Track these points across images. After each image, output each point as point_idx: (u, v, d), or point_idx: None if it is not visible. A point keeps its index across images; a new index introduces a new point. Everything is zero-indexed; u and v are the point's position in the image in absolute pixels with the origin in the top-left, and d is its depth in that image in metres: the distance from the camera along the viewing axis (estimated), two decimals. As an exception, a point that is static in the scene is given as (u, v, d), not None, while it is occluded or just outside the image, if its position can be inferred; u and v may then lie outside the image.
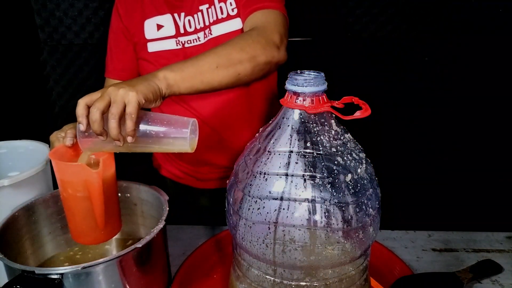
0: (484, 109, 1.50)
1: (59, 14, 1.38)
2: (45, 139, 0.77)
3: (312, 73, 0.53)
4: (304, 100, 0.51)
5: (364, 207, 0.50)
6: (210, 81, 0.72)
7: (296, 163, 0.50)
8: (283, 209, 0.49)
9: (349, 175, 0.50)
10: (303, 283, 0.52)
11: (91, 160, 0.63)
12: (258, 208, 0.50)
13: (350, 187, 0.50)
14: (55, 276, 0.50)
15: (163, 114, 0.60)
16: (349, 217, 0.49)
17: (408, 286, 0.65)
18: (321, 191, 0.48)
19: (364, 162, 0.53)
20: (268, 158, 0.51)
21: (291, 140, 0.51)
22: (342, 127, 0.54)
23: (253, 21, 0.86)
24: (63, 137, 0.65)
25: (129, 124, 0.55)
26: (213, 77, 0.72)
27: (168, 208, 0.63)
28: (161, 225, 0.59)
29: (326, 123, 0.52)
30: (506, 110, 1.48)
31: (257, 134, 0.57)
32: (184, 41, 0.92)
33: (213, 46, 0.86)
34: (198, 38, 0.91)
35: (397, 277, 0.66)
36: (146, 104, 0.60)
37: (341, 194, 0.49)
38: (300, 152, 0.50)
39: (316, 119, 0.52)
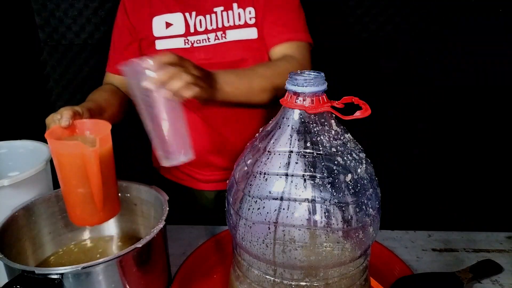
0: (484, 109, 1.50)
1: (59, 14, 1.38)
2: (45, 139, 0.77)
3: (312, 73, 0.53)
4: (304, 100, 0.51)
5: (364, 207, 0.50)
6: (249, 100, 0.79)
7: (296, 163, 0.50)
8: (283, 209, 0.49)
9: (349, 175, 0.50)
10: (303, 283, 0.52)
11: (88, 139, 0.63)
12: (258, 208, 0.50)
13: (350, 187, 0.50)
14: (55, 276, 0.50)
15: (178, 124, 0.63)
16: (349, 217, 0.49)
17: (408, 286, 0.65)
18: (321, 191, 0.48)
19: (364, 162, 0.53)
20: (268, 158, 0.51)
21: (291, 140, 0.51)
22: (342, 127, 0.54)
23: (287, 52, 0.89)
24: (59, 119, 0.65)
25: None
26: (253, 96, 0.78)
27: (168, 208, 0.63)
28: (161, 225, 0.59)
29: (326, 123, 0.52)
30: (506, 110, 1.49)
31: (257, 134, 0.57)
32: (194, 41, 0.92)
33: (224, 49, 0.90)
34: (208, 38, 0.91)
35: (397, 277, 0.66)
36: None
37: (341, 194, 0.49)
38: (300, 152, 0.50)
39: (316, 119, 0.52)
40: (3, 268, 0.55)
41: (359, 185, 0.50)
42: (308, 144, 0.50)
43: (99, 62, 1.44)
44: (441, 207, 1.50)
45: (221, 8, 0.91)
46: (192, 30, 0.92)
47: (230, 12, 0.91)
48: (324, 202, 0.48)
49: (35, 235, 0.67)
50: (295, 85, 0.51)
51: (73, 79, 1.46)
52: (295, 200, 0.49)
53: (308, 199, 0.48)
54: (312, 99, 0.51)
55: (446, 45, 1.46)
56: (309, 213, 0.48)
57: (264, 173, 0.51)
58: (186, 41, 0.92)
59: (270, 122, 0.55)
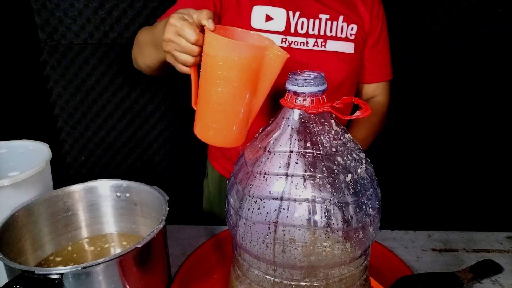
0: (484, 109, 1.50)
1: (59, 14, 1.38)
2: (45, 139, 0.77)
3: (312, 73, 0.53)
4: (304, 100, 0.51)
5: (364, 207, 0.50)
6: None
7: (296, 163, 0.50)
8: (283, 209, 0.49)
9: (349, 175, 0.50)
10: (303, 283, 0.52)
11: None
12: (258, 208, 0.50)
13: (350, 187, 0.50)
14: (55, 276, 0.50)
15: None
16: (349, 217, 0.49)
17: (408, 286, 0.65)
18: (321, 191, 0.48)
19: (364, 162, 0.53)
20: (268, 158, 0.51)
21: (291, 140, 0.51)
22: (342, 127, 0.54)
23: (377, 92, 1.05)
24: (197, 19, 0.60)
25: None
26: None
27: (168, 208, 0.63)
28: (161, 225, 0.59)
29: (326, 123, 0.52)
30: (506, 109, 1.49)
31: (257, 134, 0.57)
32: (292, 41, 0.90)
33: (321, 58, 0.91)
34: (307, 43, 0.90)
35: (397, 277, 0.66)
36: None
37: (341, 194, 0.49)
38: (300, 152, 0.50)
39: (316, 119, 0.52)
40: (3, 268, 0.55)
41: (359, 185, 0.50)
42: (308, 144, 0.50)
43: (99, 62, 1.44)
44: (441, 207, 1.50)
45: (327, 16, 0.90)
46: (292, 30, 0.90)
47: (334, 22, 0.91)
48: (324, 202, 0.48)
49: (35, 235, 0.67)
50: (295, 85, 0.51)
51: (73, 79, 1.46)
52: (295, 200, 0.49)
53: (308, 199, 0.48)
54: (312, 99, 0.51)
55: (446, 45, 1.46)
56: (309, 213, 0.48)
57: (264, 173, 0.51)
58: (284, 39, 0.90)
59: (270, 122, 0.55)
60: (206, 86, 0.59)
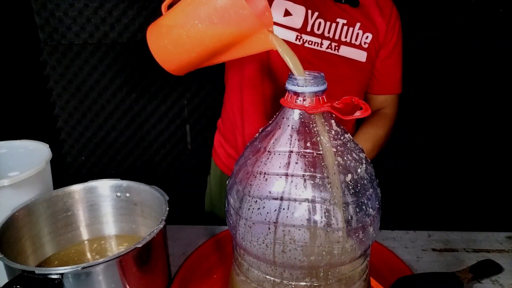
0: (484, 109, 1.50)
1: (59, 14, 1.39)
2: (45, 139, 0.77)
3: (312, 73, 0.53)
4: (304, 100, 0.51)
5: (364, 207, 0.50)
6: None
7: (296, 163, 0.50)
8: (283, 209, 0.49)
9: (349, 175, 0.50)
10: (303, 283, 0.52)
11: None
12: (258, 208, 0.50)
13: (350, 187, 0.50)
14: (55, 276, 0.50)
15: None
16: (349, 217, 0.49)
17: (408, 286, 0.65)
18: (321, 191, 0.48)
19: (364, 162, 0.53)
20: (268, 158, 0.51)
21: (291, 140, 0.51)
22: (342, 127, 0.54)
23: (385, 104, 1.02)
24: None
25: None
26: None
27: (168, 208, 0.63)
28: (161, 225, 0.59)
29: (326, 123, 0.52)
30: (506, 110, 1.49)
31: (257, 134, 0.57)
32: (306, 40, 0.90)
33: (332, 61, 0.90)
34: (321, 43, 0.90)
35: (397, 277, 0.66)
36: None
37: (341, 194, 0.49)
38: (300, 152, 0.50)
39: (316, 119, 0.52)
40: (3, 268, 0.55)
41: (359, 185, 0.50)
42: (308, 144, 0.50)
43: (99, 62, 1.44)
44: (441, 207, 1.50)
45: (344, 21, 0.90)
46: (308, 29, 0.90)
47: (351, 28, 0.91)
48: (324, 202, 0.48)
49: (35, 235, 0.67)
50: (295, 85, 0.51)
51: (73, 79, 1.47)
52: (295, 200, 0.49)
53: (308, 199, 0.48)
54: (312, 99, 0.51)
55: (445, 45, 1.46)
56: (309, 213, 0.48)
57: (264, 173, 0.51)
58: (299, 37, 0.90)
59: (270, 122, 0.55)
60: (189, 10, 0.54)
